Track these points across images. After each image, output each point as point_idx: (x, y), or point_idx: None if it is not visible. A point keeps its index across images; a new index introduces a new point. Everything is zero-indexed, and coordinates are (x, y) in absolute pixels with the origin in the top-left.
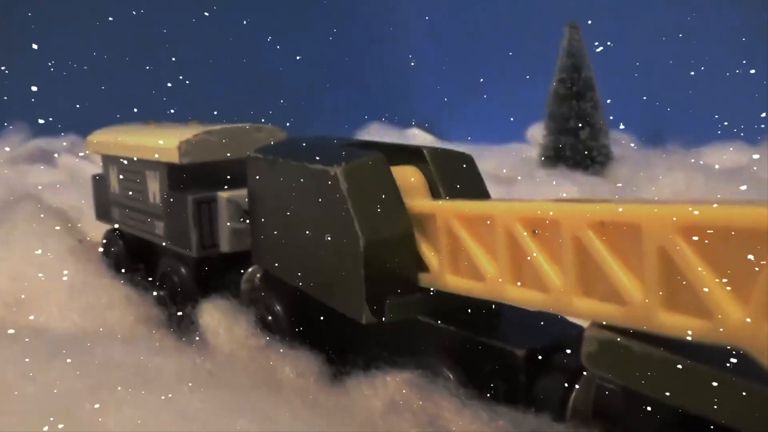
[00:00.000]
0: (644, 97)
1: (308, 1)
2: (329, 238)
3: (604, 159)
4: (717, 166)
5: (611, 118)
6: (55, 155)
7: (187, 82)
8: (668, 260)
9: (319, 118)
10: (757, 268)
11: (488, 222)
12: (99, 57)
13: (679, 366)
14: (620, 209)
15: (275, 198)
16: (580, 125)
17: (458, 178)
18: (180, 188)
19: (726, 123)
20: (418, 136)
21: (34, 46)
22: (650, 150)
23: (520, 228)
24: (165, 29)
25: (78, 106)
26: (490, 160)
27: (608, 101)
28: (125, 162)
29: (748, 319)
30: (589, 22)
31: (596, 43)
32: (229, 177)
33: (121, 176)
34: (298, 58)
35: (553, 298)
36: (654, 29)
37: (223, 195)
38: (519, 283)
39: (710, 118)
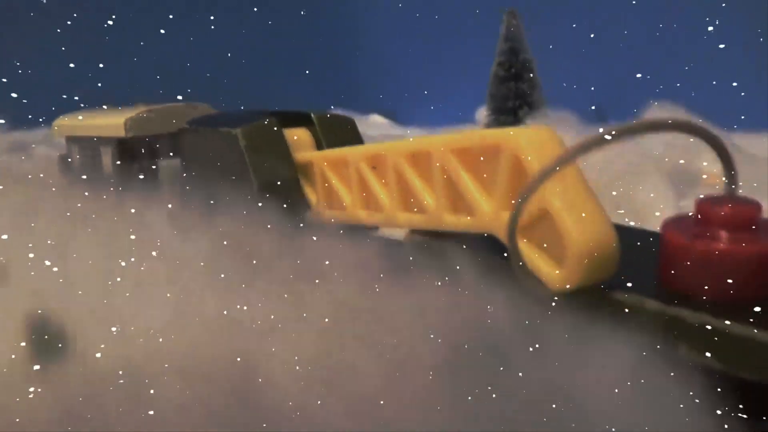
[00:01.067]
0: (587, 77)
1: None
2: (234, 184)
3: None
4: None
5: (558, 97)
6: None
7: (152, 71)
8: (448, 176)
9: (283, 106)
10: (497, 173)
11: (345, 164)
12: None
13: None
14: (417, 142)
15: (198, 158)
16: (518, 104)
17: (339, 136)
18: (127, 158)
19: (657, 102)
20: (378, 122)
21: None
22: (590, 126)
23: (363, 165)
24: (131, 20)
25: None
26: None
27: (553, 82)
28: (83, 140)
29: (493, 211)
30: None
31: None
32: (168, 147)
33: (79, 155)
34: (262, 44)
35: (385, 216)
36: (593, 10)
37: (162, 163)
38: (366, 208)
39: (647, 96)
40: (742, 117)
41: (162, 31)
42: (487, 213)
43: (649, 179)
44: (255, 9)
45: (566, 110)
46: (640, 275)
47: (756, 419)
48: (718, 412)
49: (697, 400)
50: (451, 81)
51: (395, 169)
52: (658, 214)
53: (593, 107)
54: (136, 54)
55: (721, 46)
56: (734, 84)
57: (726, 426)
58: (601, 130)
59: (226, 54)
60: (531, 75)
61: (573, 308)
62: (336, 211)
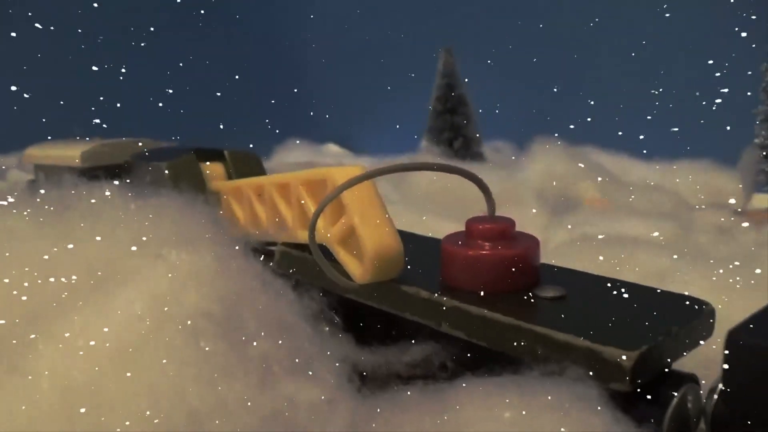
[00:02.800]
0: (522, 109)
1: (221, 20)
2: None
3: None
4: (523, 171)
5: (507, 126)
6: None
7: (122, 108)
8: (298, 201)
9: (238, 137)
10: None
11: (240, 192)
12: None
13: (306, 258)
14: (282, 176)
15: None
16: (453, 136)
17: (246, 169)
18: None
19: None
20: (334, 151)
21: None
22: (522, 155)
23: (251, 193)
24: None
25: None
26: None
27: (489, 114)
28: (48, 168)
29: (323, 227)
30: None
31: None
32: (116, 176)
33: (45, 180)
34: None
35: (263, 232)
36: (524, 47)
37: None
38: (253, 227)
39: (583, 124)
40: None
41: (123, 70)
42: (320, 229)
43: (526, 204)
44: (206, 43)
45: (499, 141)
46: (429, 273)
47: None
48: (469, 373)
49: (453, 363)
50: (399, 113)
51: (269, 196)
52: (534, 234)
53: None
54: (108, 91)
55: (657, 91)
56: (675, 129)
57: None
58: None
59: (184, 91)
60: (465, 109)
61: (370, 296)
62: (234, 228)
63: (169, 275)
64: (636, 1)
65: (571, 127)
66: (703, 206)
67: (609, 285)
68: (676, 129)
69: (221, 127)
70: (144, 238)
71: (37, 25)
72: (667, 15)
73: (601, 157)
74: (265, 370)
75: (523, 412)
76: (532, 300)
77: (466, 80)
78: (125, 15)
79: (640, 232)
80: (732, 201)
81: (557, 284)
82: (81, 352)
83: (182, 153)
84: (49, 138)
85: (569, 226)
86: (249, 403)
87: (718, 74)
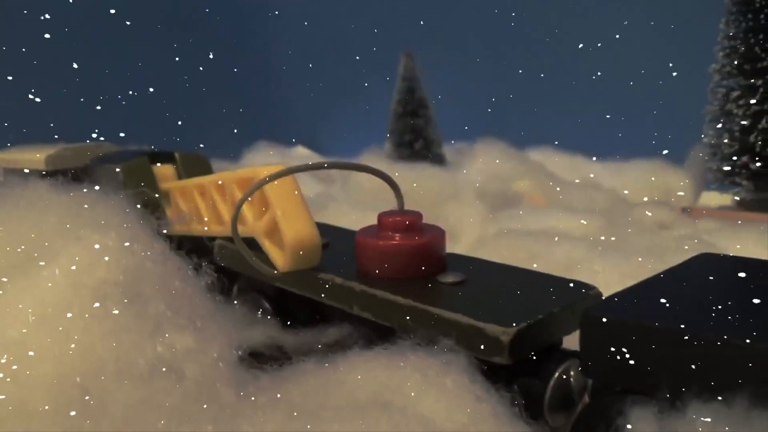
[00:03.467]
0: (482, 112)
1: (190, 26)
2: None
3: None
4: (465, 171)
5: (466, 128)
6: None
7: (97, 111)
8: (233, 199)
9: (209, 139)
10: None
11: (186, 190)
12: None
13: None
14: (219, 176)
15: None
16: (414, 138)
17: (194, 170)
18: None
19: (540, 131)
20: (302, 153)
21: None
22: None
23: (195, 192)
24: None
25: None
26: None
27: (450, 116)
28: (16, 171)
29: (251, 221)
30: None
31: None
32: (78, 178)
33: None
34: (185, 80)
35: (205, 226)
36: (482, 52)
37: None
38: (198, 222)
39: (534, 126)
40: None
41: (94, 75)
42: (249, 223)
43: (465, 201)
44: (176, 46)
45: (462, 142)
46: (346, 262)
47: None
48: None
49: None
50: (365, 115)
51: (209, 194)
52: (468, 228)
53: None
54: (82, 95)
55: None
56: (630, 130)
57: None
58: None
59: (156, 96)
60: (426, 111)
61: (292, 283)
62: (182, 225)
63: (85, 252)
64: (587, 6)
65: (531, 128)
66: (648, 203)
67: (506, 271)
68: (631, 130)
69: (195, 130)
70: (67, 225)
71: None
72: (619, 20)
73: (555, 157)
74: (156, 325)
75: (404, 379)
76: (433, 285)
77: (428, 84)
78: (95, 20)
79: (568, 226)
80: (679, 196)
81: (461, 271)
82: (13, 313)
83: (135, 156)
84: (8, 145)
85: (502, 221)
86: (141, 348)
87: (674, 74)
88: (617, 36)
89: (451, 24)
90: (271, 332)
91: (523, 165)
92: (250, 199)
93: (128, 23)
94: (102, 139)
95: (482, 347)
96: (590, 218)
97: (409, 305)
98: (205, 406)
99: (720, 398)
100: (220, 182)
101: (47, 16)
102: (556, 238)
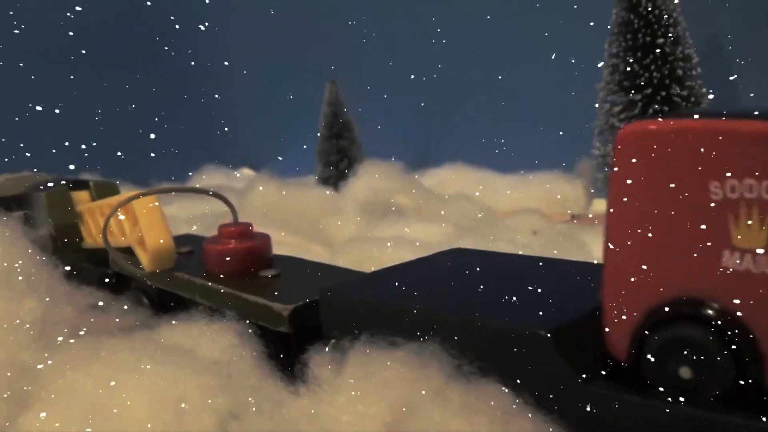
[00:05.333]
0: (410, 130)
1: (139, 56)
2: (44, 228)
3: None
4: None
5: (389, 147)
6: None
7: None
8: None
9: (158, 164)
10: (122, 216)
11: (92, 212)
12: None
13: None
14: (111, 200)
15: (32, 211)
16: (340, 158)
17: (104, 195)
18: None
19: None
20: (247, 174)
21: None
22: (412, 172)
23: (98, 213)
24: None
25: None
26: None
27: (375, 137)
28: None
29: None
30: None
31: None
32: (18, 205)
33: None
34: (132, 107)
35: (112, 241)
36: (402, 80)
37: (14, 215)
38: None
39: (448, 144)
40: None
41: (39, 108)
42: (127, 234)
43: (346, 213)
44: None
45: (385, 162)
46: (196, 263)
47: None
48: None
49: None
50: (299, 139)
51: (103, 214)
52: (349, 237)
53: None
54: (25, 126)
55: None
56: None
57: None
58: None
59: (103, 122)
60: (350, 134)
61: (155, 279)
62: (92, 241)
63: None
64: (494, 32)
65: (445, 146)
66: (522, 213)
67: (314, 268)
68: (535, 145)
69: (145, 157)
70: None
71: None
72: (522, 46)
73: (465, 172)
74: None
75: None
76: (254, 278)
77: (352, 108)
78: (39, 47)
79: (425, 234)
80: (572, 205)
81: (282, 268)
82: None
83: (58, 184)
84: None
85: (371, 231)
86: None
87: (572, 93)
88: (520, 59)
89: (373, 52)
90: (143, 316)
91: (402, 182)
92: (123, 216)
93: (83, 52)
94: (36, 171)
95: (273, 320)
96: (450, 227)
97: (228, 292)
98: None
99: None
100: (109, 205)
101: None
102: (399, 244)
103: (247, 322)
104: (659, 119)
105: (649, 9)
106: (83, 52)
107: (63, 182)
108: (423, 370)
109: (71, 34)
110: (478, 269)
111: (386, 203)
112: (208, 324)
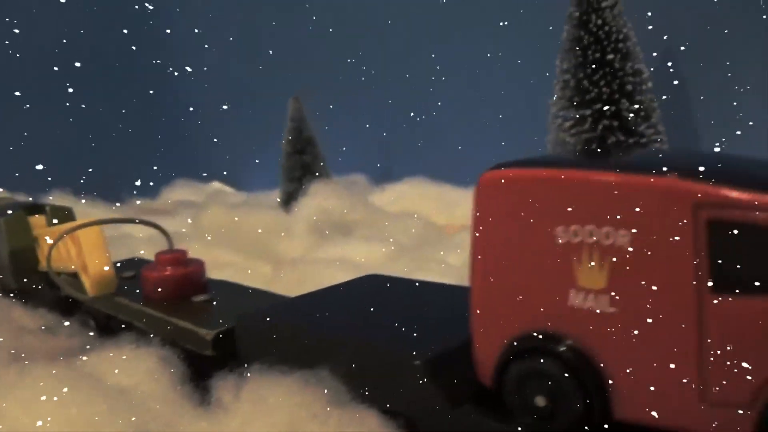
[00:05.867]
0: (374, 147)
1: (109, 73)
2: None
3: None
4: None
5: (352, 163)
6: None
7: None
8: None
9: (130, 178)
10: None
11: (45, 236)
12: None
13: (72, 281)
14: (61, 227)
15: None
16: (303, 174)
17: (59, 219)
18: None
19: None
20: (216, 189)
21: None
22: (376, 186)
23: (48, 237)
24: None
25: None
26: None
27: (335, 154)
28: None
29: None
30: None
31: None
32: None
33: None
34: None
35: (55, 264)
36: (362, 96)
37: None
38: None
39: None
40: None
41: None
42: (74, 260)
43: (293, 233)
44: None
45: (356, 174)
46: (136, 288)
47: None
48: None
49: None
50: (267, 154)
51: (65, 242)
52: (294, 257)
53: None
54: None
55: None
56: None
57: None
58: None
59: (74, 139)
60: (313, 149)
61: (97, 303)
62: (45, 263)
63: None
64: (456, 51)
65: (406, 161)
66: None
67: (245, 292)
68: (494, 158)
69: (117, 172)
70: None
71: None
72: (479, 65)
73: (426, 187)
74: None
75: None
76: (185, 303)
77: (316, 124)
78: (6, 64)
79: (366, 254)
80: None
81: (215, 293)
82: None
83: (17, 209)
84: None
85: (316, 252)
86: None
87: (530, 108)
88: (479, 76)
89: (337, 69)
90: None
91: (351, 200)
92: (70, 242)
93: (55, 69)
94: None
95: (198, 344)
96: (392, 246)
97: (160, 317)
98: None
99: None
100: (58, 231)
101: None
102: (335, 264)
103: (179, 346)
104: (516, 167)
105: (599, 25)
106: (55, 69)
107: (21, 207)
108: (307, 395)
109: (42, 50)
110: (383, 296)
111: (334, 222)
112: (133, 349)
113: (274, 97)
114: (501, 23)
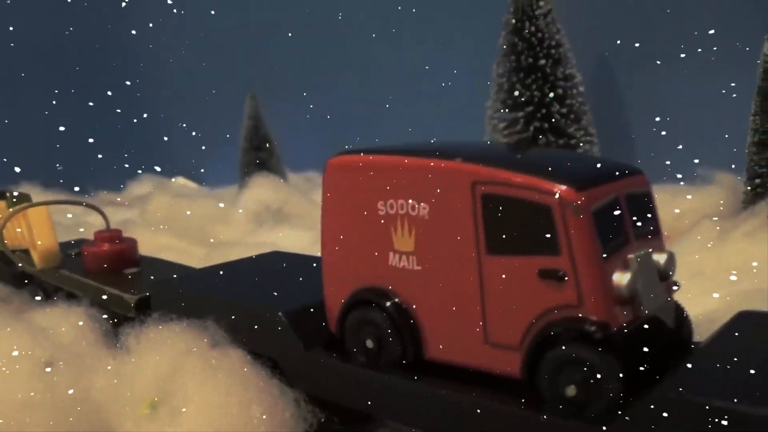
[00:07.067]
0: (326, 145)
1: (77, 67)
2: None
3: None
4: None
5: (309, 158)
6: None
7: None
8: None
9: (97, 172)
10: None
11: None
12: None
13: (23, 257)
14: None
15: None
16: (258, 170)
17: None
18: None
19: None
20: (182, 184)
21: None
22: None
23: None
24: None
25: None
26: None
27: (291, 150)
28: None
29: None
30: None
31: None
32: None
33: None
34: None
35: (17, 244)
36: (316, 94)
37: None
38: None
39: None
40: None
41: None
42: (25, 237)
43: (234, 221)
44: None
45: (310, 171)
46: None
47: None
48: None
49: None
50: (228, 151)
51: (12, 222)
52: (228, 241)
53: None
54: None
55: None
56: None
57: None
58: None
59: (39, 130)
60: (268, 145)
61: (44, 275)
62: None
63: None
64: (404, 53)
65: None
66: None
67: (171, 267)
68: None
69: (84, 166)
70: None
71: None
72: (424, 69)
73: None
74: None
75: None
76: (117, 274)
77: (272, 121)
78: None
79: (293, 239)
80: None
81: (144, 267)
82: None
83: None
84: None
85: (251, 237)
86: None
87: (470, 110)
88: (424, 75)
89: (292, 68)
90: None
91: (287, 193)
92: (23, 223)
93: (23, 64)
94: None
95: (123, 307)
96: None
97: (95, 285)
98: None
99: None
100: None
101: None
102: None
103: (110, 310)
104: (352, 154)
105: (532, 32)
106: (23, 64)
107: None
108: (189, 337)
109: (9, 46)
110: (274, 267)
111: (272, 213)
112: (66, 308)
113: (236, 95)
114: (447, 29)
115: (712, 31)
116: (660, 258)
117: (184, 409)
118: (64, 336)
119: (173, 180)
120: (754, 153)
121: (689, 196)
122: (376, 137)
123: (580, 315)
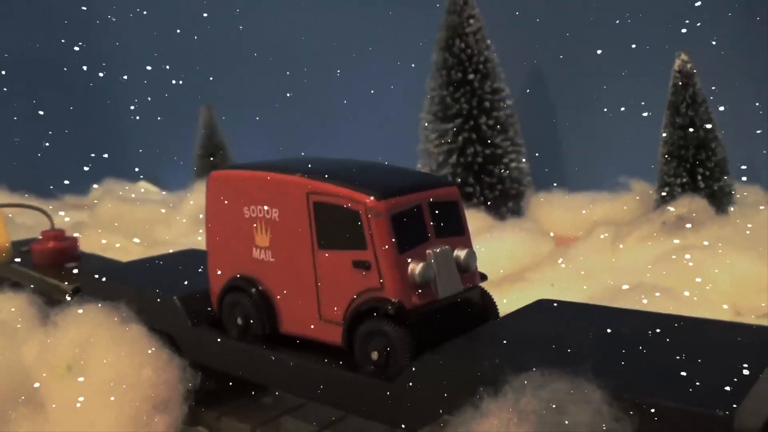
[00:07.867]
0: (279, 153)
1: (42, 75)
2: None
3: None
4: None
5: None
6: None
7: None
8: None
9: (62, 176)
10: None
11: None
12: None
13: None
14: None
15: None
16: None
17: None
18: None
19: None
20: (144, 187)
21: None
22: None
23: None
24: None
25: None
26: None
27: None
28: None
29: None
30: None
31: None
32: None
33: None
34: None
35: None
36: (270, 104)
37: None
38: None
39: None
40: None
41: None
42: None
43: (175, 223)
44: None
45: None
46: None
47: None
48: None
49: None
50: (187, 157)
51: None
52: (167, 240)
53: None
54: None
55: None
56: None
57: None
58: None
59: (10, 143)
60: (222, 153)
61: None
62: None
63: None
64: (356, 68)
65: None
66: None
67: (108, 262)
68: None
69: (49, 170)
70: None
71: None
72: (369, 83)
73: None
74: None
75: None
76: (60, 268)
77: (226, 130)
78: None
79: None
80: None
81: (83, 263)
82: None
83: None
84: None
85: (190, 237)
86: None
87: (409, 121)
88: (367, 90)
89: (246, 77)
90: None
91: None
92: None
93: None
94: None
95: (63, 295)
96: None
97: (38, 277)
98: None
99: None
100: None
101: None
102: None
103: (52, 298)
104: (227, 169)
105: (462, 48)
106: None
107: None
108: (105, 317)
109: None
110: (184, 262)
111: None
112: (12, 294)
113: (193, 106)
114: (388, 47)
115: (633, 46)
116: (461, 253)
117: (92, 369)
118: (4, 314)
119: (137, 184)
120: (664, 163)
121: (605, 203)
122: (320, 146)
123: (382, 296)
